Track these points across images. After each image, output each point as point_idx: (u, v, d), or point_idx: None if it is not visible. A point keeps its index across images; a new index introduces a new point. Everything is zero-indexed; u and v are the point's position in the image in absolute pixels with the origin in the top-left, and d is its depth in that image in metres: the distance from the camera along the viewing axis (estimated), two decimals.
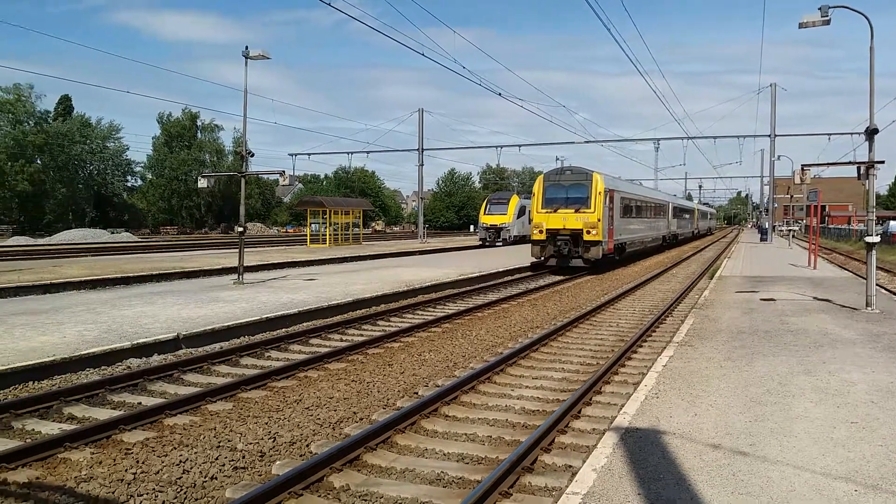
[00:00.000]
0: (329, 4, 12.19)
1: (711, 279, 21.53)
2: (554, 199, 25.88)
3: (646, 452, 5.42)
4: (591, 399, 8.40)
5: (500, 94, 31.98)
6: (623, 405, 7.08)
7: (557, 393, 8.78)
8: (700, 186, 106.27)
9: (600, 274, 25.94)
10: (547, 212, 25.78)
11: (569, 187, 25.83)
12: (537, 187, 26.61)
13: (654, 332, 13.01)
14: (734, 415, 6.40)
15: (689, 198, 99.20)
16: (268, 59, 18.88)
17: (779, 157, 45.85)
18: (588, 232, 24.89)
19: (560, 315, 15.42)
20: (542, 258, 25.80)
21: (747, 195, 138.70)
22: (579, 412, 7.88)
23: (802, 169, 13.53)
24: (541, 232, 25.64)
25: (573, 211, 25.36)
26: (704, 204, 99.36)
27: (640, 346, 11.64)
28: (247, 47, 18.64)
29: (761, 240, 50.45)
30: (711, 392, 7.25)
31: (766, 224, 52.36)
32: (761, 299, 15.30)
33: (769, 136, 45.61)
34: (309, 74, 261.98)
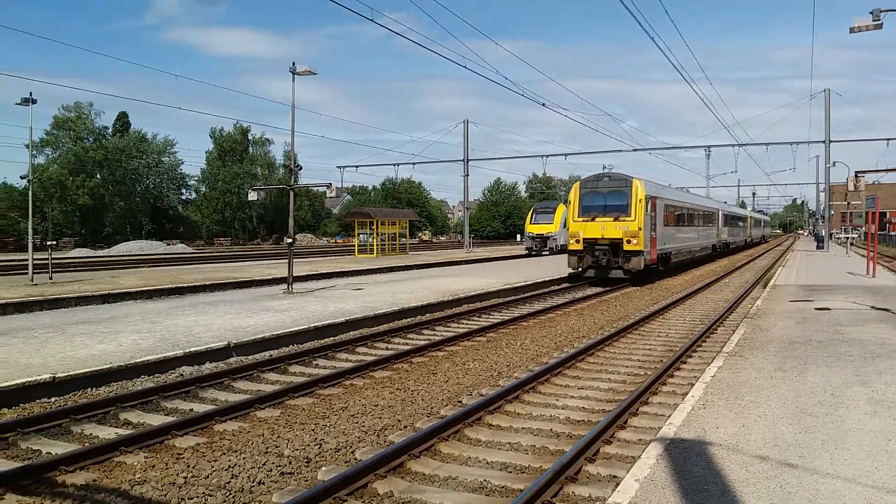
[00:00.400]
0: (372, 21, 12.38)
1: (765, 288, 21.01)
2: (591, 206, 24.69)
3: (690, 463, 5.35)
4: (637, 410, 8.31)
5: (543, 105, 31.89)
6: (669, 416, 6.98)
7: (604, 403, 8.70)
8: (753, 194, 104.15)
9: (645, 285, 24.80)
10: (584, 220, 24.62)
11: (607, 194, 24.63)
12: (573, 194, 25.46)
13: (704, 342, 12.77)
14: (783, 426, 6.26)
15: (743, 205, 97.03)
16: (314, 74, 19.25)
17: (834, 163, 44.48)
18: (628, 241, 23.61)
19: (607, 325, 15.27)
20: (580, 269, 24.69)
21: (803, 202, 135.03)
22: (625, 423, 7.80)
23: (857, 175, 13.19)
24: (578, 241, 24.53)
25: (612, 219, 24.09)
26: (758, 211, 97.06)
27: (690, 357, 11.45)
28: (294, 63, 19.08)
29: (818, 248, 49.01)
30: (760, 403, 7.09)
31: (823, 231, 50.85)
32: (816, 309, 14.88)
33: (824, 142, 44.36)
34: (356, 88, 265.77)
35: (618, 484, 5.18)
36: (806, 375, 8.33)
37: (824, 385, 7.81)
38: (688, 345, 11.98)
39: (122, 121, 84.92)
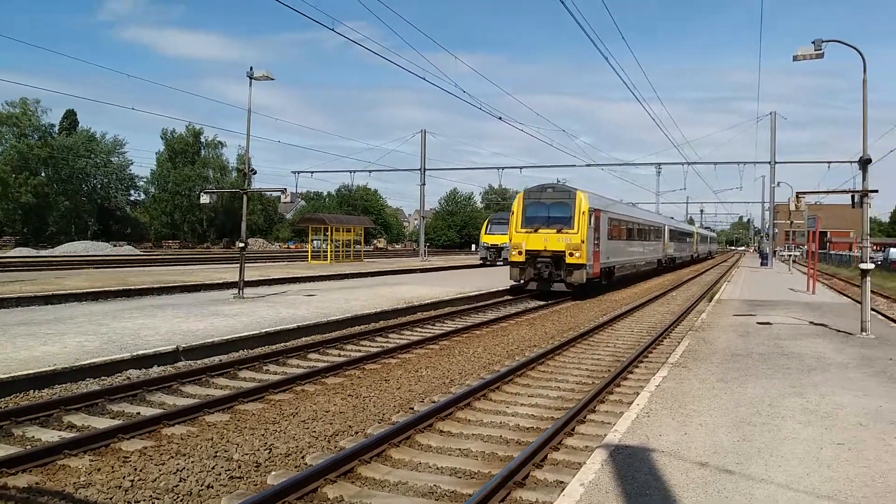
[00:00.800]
0: (332, 30, 12.40)
1: (710, 302, 21.64)
2: (535, 217, 24.14)
3: (634, 469, 5.52)
4: (584, 417, 8.50)
5: (500, 118, 32.28)
6: (615, 424, 7.17)
7: (552, 411, 8.87)
8: (701, 211, 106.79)
9: (589, 298, 24.62)
10: (527, 231, 24.07)
11: (551, 205, 24.15)
12: (517, 205, 24.83)
13: (650, 353, 13.11)
14: (723, 434, 6.50)
15: (691, 222, 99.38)
16: (271, 79, 19.18)
17: (778, 183, 46.07)
18: (571, 254, 23.12)
19: (557, 335, 15.52)
20: (521, 281, 24.09)
21: (749, 220, 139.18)
22: (573, 430, 7.97)
23: (797, 196, 13.71)
24: (520, 253, 23.95)
25: (555, 231, 23.62)
26: (706, 228, 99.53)
27: (636, 367, 11.74)
28: (251, 68, 18.96)
29: (762, 264, 50.55)
30: (702, 412, 7.35)
31: (767, 249, 52.49)
32: (758, 323, 15.40)
33: (769, 162, 45.90)
34: (315, 95, 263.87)
35: (564, 488, 5.32)
36: (746, 386, 8.64)
37: (763, 396, 8.12)
38: (634, 356, 12.27)
39: (70, 118, 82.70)
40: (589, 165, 48.54)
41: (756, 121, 49.32)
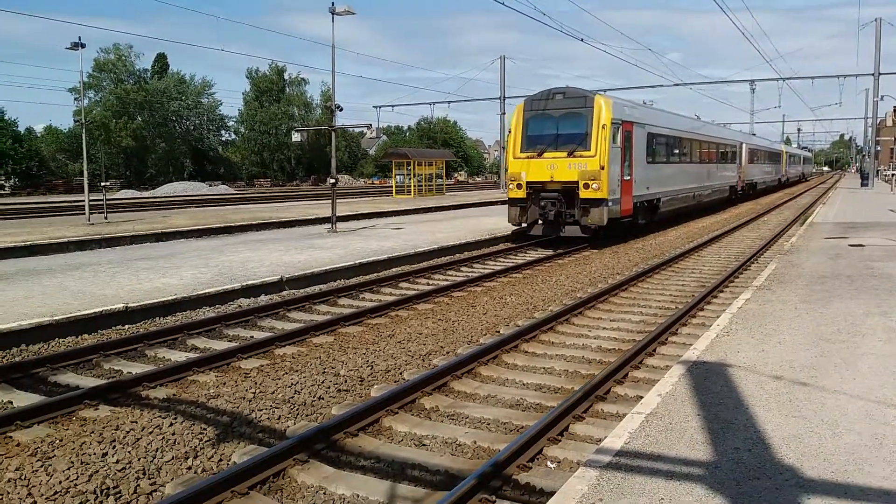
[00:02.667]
0: None
1: (802, 225, 21.08)
2: (539, 136, 18.46)
3: (710, 382, 5.87)
4: (666, 339, 8.82)
5: (581, 40, 31.47)
6: (694, 343, 7.48)
7: (633, 334, 9.23)
8: (798, 130, 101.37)
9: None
10: (528, 156, 18.35)
11: (560, 118, 18.28)
12: (515, 120, 19.07)
13: (737, 278, 13.15)
14: (800, 351, 6.72)
15: (788, 142, 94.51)
16: (353, 14, 19.48)
17: (882, 97, 43.31)
18: (586, 185, 17.40)
19: (642, 262, 15.68)
20: (522, 224, 18.71)
21: (851, 138, 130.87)
22: (654, 350, 8.33)
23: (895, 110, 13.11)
24: (519, 186, 18.32)
25: (565, 154, 17.84)
26: (802, 148, 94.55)
27: (721, 292, 11.87)
28: (333, 3, 19.28)
29: (862, 185, 48.07)
30: (782, 331, 7.54)
31: (868, 168, 49.76)
32: (849, 245, 15.05)
33: (872, 74, 43.01)
34: (391, 24, 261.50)
35: (641, 399, 5.74)
36: (829, 307, 8.71)
37: (845, 315, 8.20)
38: (720, 280, 12.38)
39: (161, 62, 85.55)
40: (677, 85, 46.78)
41: (859, 29, 45.95)
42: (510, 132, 19.24)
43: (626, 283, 12.52)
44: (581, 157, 17.58)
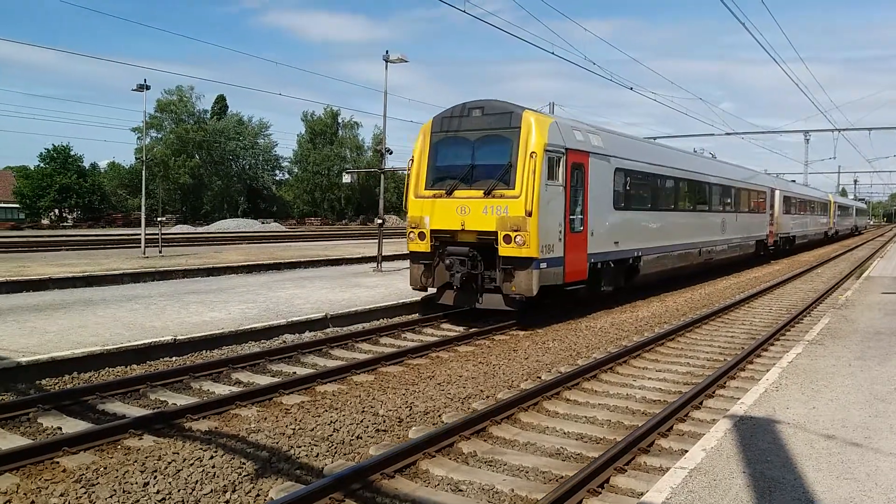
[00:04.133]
0: (455, 7, 12.73)
1: (858, 279, 20.43)
2: (449, 168, 13.47)
3: (757, 438, 5.69)
4: (713, 392, 8.59)
5: (631, 89, 31.52)
6: (742, 397, 7.27)
7: (679, 385, 9.02)
8: (855, 181, 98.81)
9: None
10: (435, 194, 13.23)
11: (476, 143, 13.14)
12: (420, 146, 13.85)
13: (788, 331, 12.80)
14: (854, 410, 6.47)
15: (843, 193, 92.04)
16: (405, 62, 19.97)
17: None
18: (507, 238, 12.23)
19: (690, 311, 15.37)
20: (426, 286, 13.42)
21: None
22: (700, 403, 8.12)
23: None
24: (422, 237, 13.25)
25: (481, 193, 12.65)
26: (858, 199, 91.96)
27: (772, 345, 11.54)
28: (387, 52, 19.83)
29: None
30: (834, 388, 7.28)
31: None
32: None
33: None
34: (444, 70, 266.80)
35: (686, 454, 5.58)
36: (886, 365, 8.38)
37: None
38: (771, 332, 12.06)
39: (221, 103, 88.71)
40: (728, 134, 46.29)
41: None
42: (412, 161, 13.90)
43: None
44: (502, 197, 12.43)
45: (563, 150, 13.08)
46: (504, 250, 12.29)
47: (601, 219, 14.65)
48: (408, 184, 13.85)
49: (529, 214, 12.11)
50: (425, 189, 13.53)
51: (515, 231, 12.16)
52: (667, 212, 19.02)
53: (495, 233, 12.36)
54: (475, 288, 12.77)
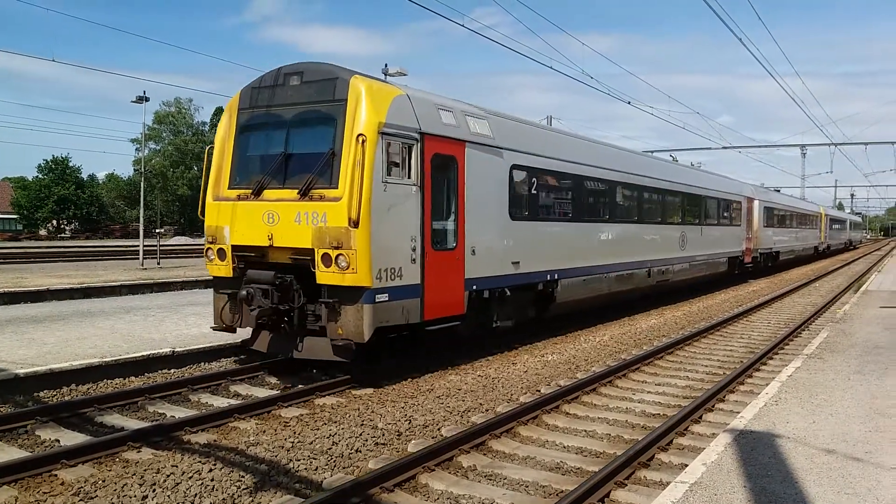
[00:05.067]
0: (453, 21, 12.90)
1: (856, 293, 20.47)
2: (259, 158, 10.17)
3: (757, 452, 5.68)
4: (713, 406, 8.58)
5: (629, 103, 31.61)
6: (741, 411, 7.27)
7: (679, 399, 9.01)
8: (852, 195, 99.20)
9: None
10: (240, 195, 9.82)
11: (292, 123, 9.74)
12: (225, 127, 10.50)
13: (787, 345, 12.81)
14: (854, 424, 6.47)
15: (840, 206, 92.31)
16: (404, 75, 20.07)
17: None
18: (327, 259, 8.82)
19: (688, 325, 15.38)
20: (233, 325, 9.88)
21: None
22: (700, 417, 8.11)
23: None
24: (222, 255, 9.84)
25: (295, 195, 9.21)
26: (855, 213, 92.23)
27: (771, 359, 11.55)
28: (386, 65, 19.94)
29: None
30: (834, 402, 7.28)
31: None
32: None
33: None
34: (443, 82, 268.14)
35: (686, 468, 5.57)
36: (885, 379, 8.39)
37: None
38: (769, 347, 12.07)
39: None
40: (725, 148, 46.41)
41: None
42: (211, 149, 10.61)
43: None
44: (322, 199, 9.02)
45: (418, 136, 9.62)
46: (323, 276, 8.83)
47: (488, 232, 11.11)
48: (205, 180, 10.36)
49: (355, 225, 8.64)
50: (228, 188, 10.05)
51: (336, 249, 8.70)
52: (598, 223, 15.32)
53: (312, 250, 8.89)
54: (290, 330, 9.28)
